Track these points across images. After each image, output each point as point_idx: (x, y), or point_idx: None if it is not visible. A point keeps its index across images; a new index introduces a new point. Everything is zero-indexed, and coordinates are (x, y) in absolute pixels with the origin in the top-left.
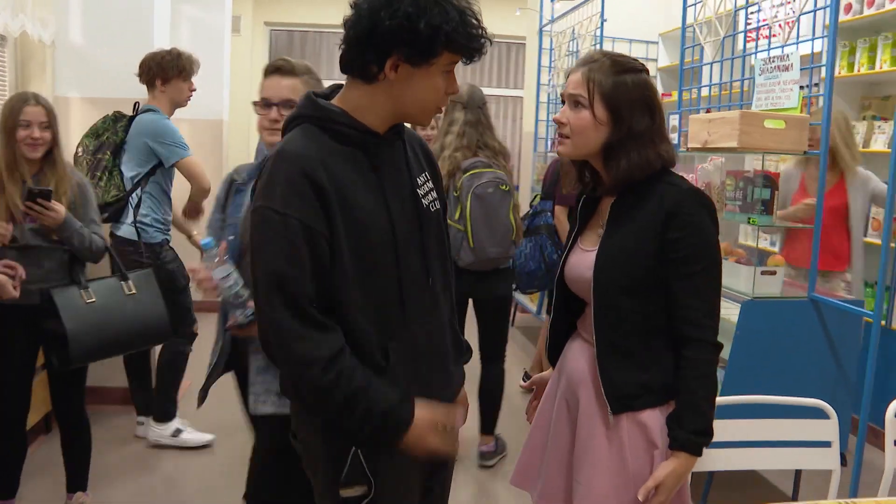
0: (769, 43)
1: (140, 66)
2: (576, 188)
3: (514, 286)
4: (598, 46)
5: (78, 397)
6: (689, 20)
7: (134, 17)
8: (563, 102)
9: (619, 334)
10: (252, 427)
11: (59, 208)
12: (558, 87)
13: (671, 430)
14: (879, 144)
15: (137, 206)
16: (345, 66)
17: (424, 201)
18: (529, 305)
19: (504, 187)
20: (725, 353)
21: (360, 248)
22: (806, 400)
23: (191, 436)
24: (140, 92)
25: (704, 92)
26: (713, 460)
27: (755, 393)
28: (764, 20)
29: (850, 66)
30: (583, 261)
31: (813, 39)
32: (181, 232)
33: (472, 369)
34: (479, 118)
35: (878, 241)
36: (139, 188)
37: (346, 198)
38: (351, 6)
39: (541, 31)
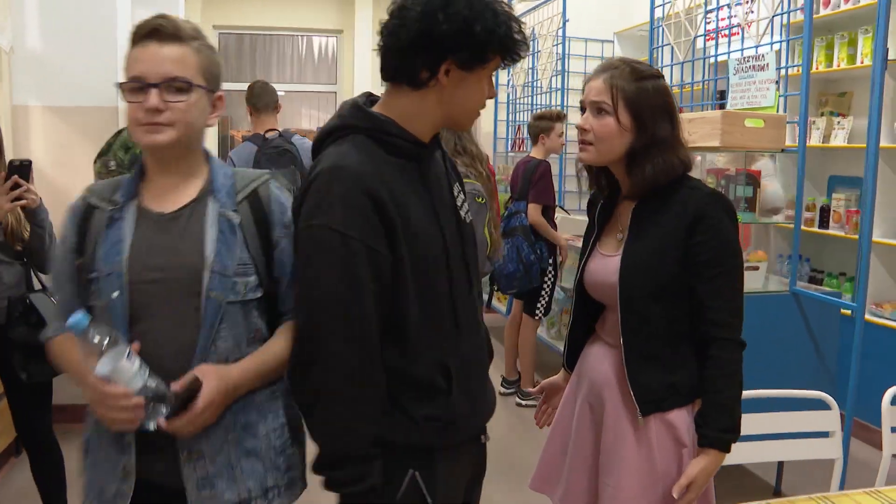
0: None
1: None
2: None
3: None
4: (558, 47)
5: (44, 419)
6: (645, 19)
7: (97, 23)
8: (583, 110)
9: (645, 338)
10: None
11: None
12: (518, 86)
13: (699, 428)
14: (839, 140)
15: None
16: (390, 74)
17: (461, 212)
18: (498, 305)
19: (480, 199)
20: None
21: (418, 265)
22: (809, 392)
23: None
24: (105, 100)
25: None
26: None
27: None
28: (723, 20)
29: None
30: (605, 266)
31: (789, 40)
32: None
33: None
34: None
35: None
36: None
37: (404, 215)
38: (392, 13)
39: None
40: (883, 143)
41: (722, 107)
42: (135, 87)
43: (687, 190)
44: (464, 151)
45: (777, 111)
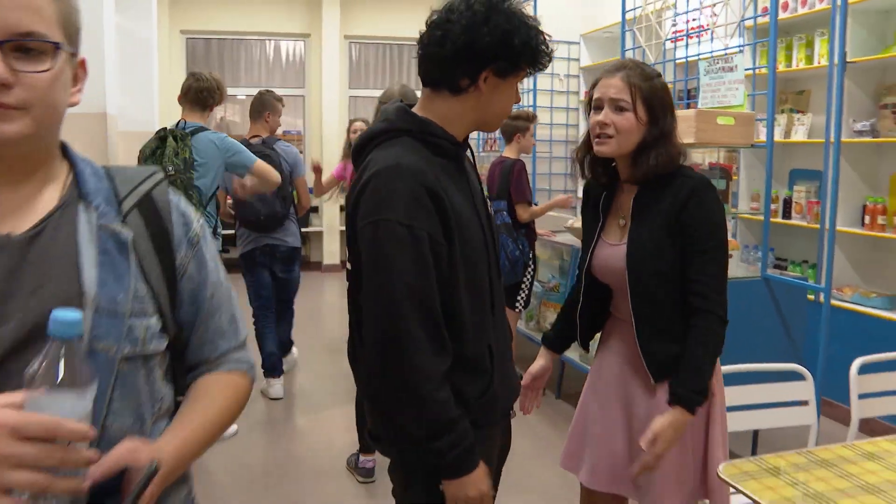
0: (699, 44)
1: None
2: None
3: None
4: None
5: None
6: (609, 22)
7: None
8: (595, 108)
9: (654, 315)
10: None
11: None
12: None
13: (673, 387)
14: (800, 135)
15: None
16: (431, 80)
17: (488, 206)
18: None
19: None
20: None
21: (466, 255)
22: (786, 365)
23: None
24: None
25: None
26: None
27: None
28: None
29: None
30: (613, 254)
31: (755, 44)
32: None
33: None
34: None
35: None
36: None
37: (455, 208)
38: (431, 25)
39: None
40: (842, 139)
41: (688, 106)
42: None
43: (682, 178)
44: None
45: (745, 109)
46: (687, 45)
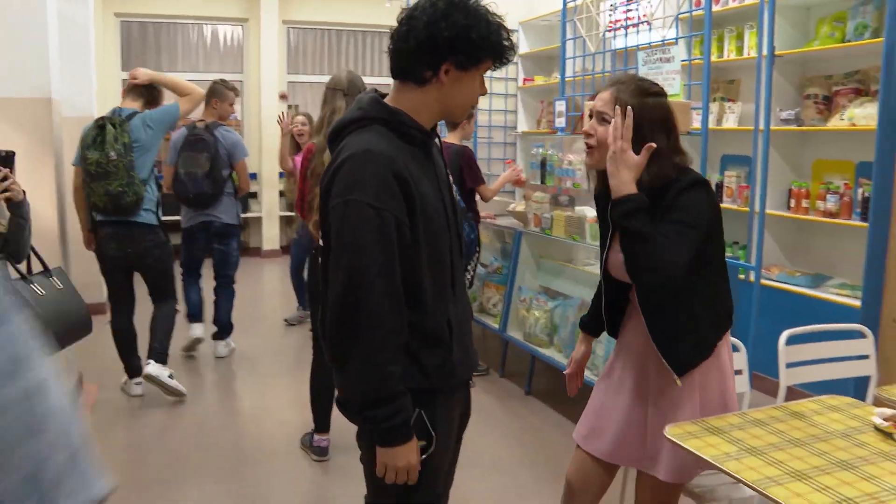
0: (637, 33)
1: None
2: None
3: None
4: None
5: None
6: (548, 10)
7: (27, 15)
8: (591, 116)
9: (664, 313)
10: None
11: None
12: None
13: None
14: (731, 122)
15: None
16: (399, 73)
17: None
18: None
19: None
20: None
21: (429, 236)
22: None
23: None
24: (37, 91)
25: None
26: None
27: None
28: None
29: (702, 53)
30: (620, 260)
31: (691, 36)
32: None
33: None
34: None
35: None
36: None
37: (420, 192)
38: (400, 22)
39: None
40: (769, 126)
41: None
42: None
43: (677, 181)
44: None
45: (681, 98)
46: (626, 35)
